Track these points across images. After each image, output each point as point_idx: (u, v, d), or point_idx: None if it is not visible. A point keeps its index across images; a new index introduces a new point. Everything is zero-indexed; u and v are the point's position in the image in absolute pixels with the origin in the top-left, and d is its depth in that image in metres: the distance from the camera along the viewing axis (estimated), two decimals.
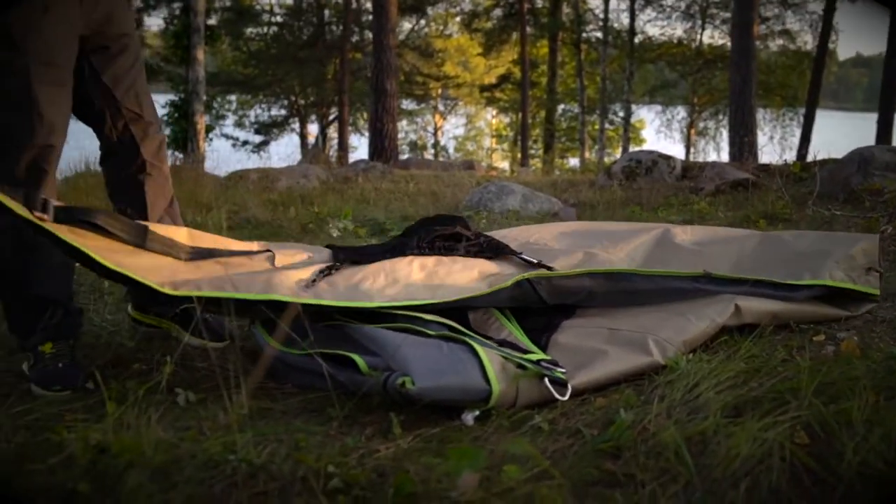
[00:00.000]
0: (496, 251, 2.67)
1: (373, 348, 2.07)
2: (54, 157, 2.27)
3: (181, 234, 2.33)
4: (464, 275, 2.47)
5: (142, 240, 2.21)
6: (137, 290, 2.22)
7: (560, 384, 1.93)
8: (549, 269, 2.55)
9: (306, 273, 2.35)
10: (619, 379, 2.04)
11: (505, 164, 28.88)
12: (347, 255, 2.55)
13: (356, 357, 2.02)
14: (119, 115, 2.44)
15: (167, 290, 2.11)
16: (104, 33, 2.39)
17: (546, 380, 1.91)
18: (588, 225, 3.19)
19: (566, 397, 1.92)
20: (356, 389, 1.96)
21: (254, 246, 2.48)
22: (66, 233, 2.03)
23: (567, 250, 2.73)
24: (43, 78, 2.19)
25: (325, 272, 2.37)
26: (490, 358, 1.91)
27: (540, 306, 2.45)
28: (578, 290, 2.47)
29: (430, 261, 2.53)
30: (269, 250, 2.46)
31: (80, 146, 7.13)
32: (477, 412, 1.86)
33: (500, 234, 2.98)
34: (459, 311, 2.40)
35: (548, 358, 2.05)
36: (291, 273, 2.33)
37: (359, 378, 1.98)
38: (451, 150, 36.67)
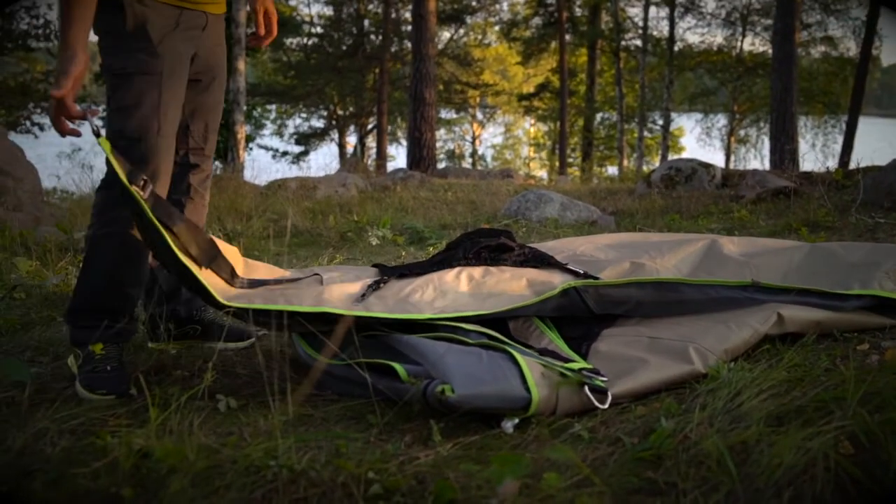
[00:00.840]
0: (542, 262, 2.67)
1: (413, 357, 2.08)
2: (168, 163, 2.37)
3: (239, 264, 2.39)
4: (511, 284, 2.48)
5: (209, 260, 2.28)
6: (195, 291, 2.27)
7: (600, 392, 1.92)
8: (596, 279, 2.54)
9: (355, 287, 2.39)
10: (659, 387, 2.02)
11: (543, 173, 28.87)
12: (395, 272, 2.58)
13: (397, 365, 2.03)
14: (184, 143, 2.53)
15: (222, 300, 2.17)
16: (203, 63, 2.48)
17: (586, 388, 1.91)
18: (634, 236, 3.18)
19: (606, 405, 1.91)
20: (396, 397, 1.97)
21: (304, 273, 2.54)
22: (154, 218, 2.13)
23: (614, 261, 2.73)
24: (170, 86, 2.31)
25: (374, 287, 2.40)
26: (530, 366, 1.91)
27: (587, 315, 2.44)
28: (625, 300, 2.46)
29: (477, 271, 2.55)
30: (316, 274, 2.50)
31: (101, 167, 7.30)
32: (517, 420, 1.85)
33: (545, 246, 2.98)
34: (501, 319, 2.40)
35: (589, 366, 2.05)
36: (341, 287, 2.37)
37: (399, 386, 1.98)
38: (489, 159, 36.71)
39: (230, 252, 2.37)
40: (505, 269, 2.57)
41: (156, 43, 2.28)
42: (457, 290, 2.43)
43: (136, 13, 2.25)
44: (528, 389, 1.85)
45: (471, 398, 1.81)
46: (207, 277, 2.22)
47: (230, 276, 2.33)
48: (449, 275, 2.49)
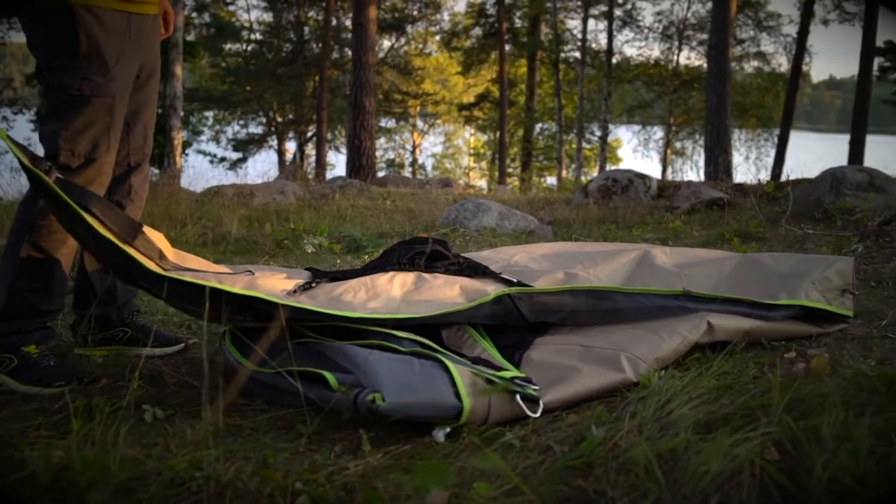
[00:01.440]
0: (476, 271, 2.66)
1: (344, 365, 2.06)
2: (106, 178, 2.41)
3: (168, 250, 2.33)
4: (445, 290, 2.46)
5: (131, 236, 2.21)
6: (123, 268, 2.23)
7: (532, 401, 1.92)
8: (530, 286, 2.54)
9: (288, 284, 2.35)
10: (591, 396, 2.03)
11: (482, 183, 28.99)
12: (327, 275, 2.55)
13: (327, 374, 2.00)
14: (126, 144, 2.53)
15: (155, 269, 2.15)
16: (144, 62, 2.50)
17: (518, 397, 1.90)
18: (568, 246, 3.20)
19: (538, 414, 1.91)
20: (327, 406, 1.94)
21: (237, 269, 2.49)
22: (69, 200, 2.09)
23: (548, 270, 2.73)
24: (121, 107, 2.39)
25: (306, 287, 2.36)
26: (461, 374, 1.90)
27: (520, 324, 2.44)
28: (559, 308, 2.46)
29: (410, 277, 2.52)
30: (249, 271, 2.46)
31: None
32: (448, 429, 1.84)
33: (479, 256, 2.98)
34: (433, 327, 2.39)
35: (521, 375, 2.04)
36: (273, 279, 2.34)
37: (329, 395, 1.96)
38: (428, 168, 36.74)
39: (157, 237, 2.30)
40: (438, 276, 2.56)
41: (111, 65, 2.30)
42: (389, 293, 2.40)
43: (90, 34, 2.25)
44: (459, 398, 1.84)
45: (402, 406, 1.79)
46: (134, 253, 2.17)
47: (158, 257, 2.27)
48: (382, 278, 2.46)
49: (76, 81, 2.27)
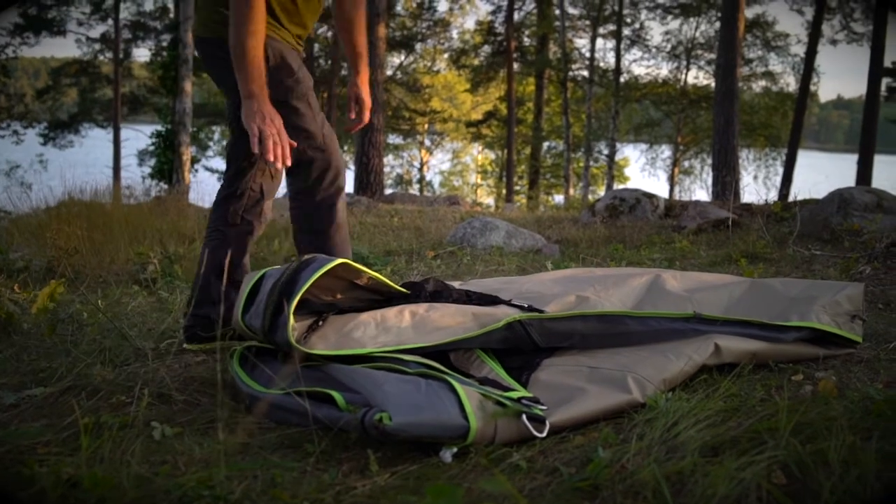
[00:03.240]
0: (487, 301, 2.67)
1: (352, 386, 2.07)
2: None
3: None
4: (456, 318, 2.46)
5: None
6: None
7: (539, 421, 1.92)
8: (541, 311, 2.55)
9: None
10: (598, 417, 2.03)
11: (490, 200, 29.05)
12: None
13: (335, 394, 2.01)
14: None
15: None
16: None
17: (524, 417, 1.91)
18: (578, 272, 3.20)
19: (544, 434, 1.91)
20: (334, 426, 1.95)
21: None
22: None
23: (559, 294, 2.73)
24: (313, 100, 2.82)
25: (314, 326, 2.38)
26: (468, 395, 1.90)
27: (532, 349, 2.44)
28: (570, 333, 2.47)
29: (421, 307, 2.51)
30: None
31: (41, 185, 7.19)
32: (455, 449, 1.84)
33: (489, 287, 2.98)
34: (442, 351, 2.39)
35: (528, 395, 2.05)
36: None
37: (337, 414, 1.96)
38: (436, 185, 36.82)
39: None
40: (449, 305, 2.57)
41: (296, 70, 2.73)
42: (399, 325, 2.41)
43: (275, 50, 2.66)
44: (466, 418, 1.84)
45: (408, 426, 1.80)
46: None
47: None
48: (391, 312, 2.46)
49: (280, 94, 2.69)
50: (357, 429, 1.87)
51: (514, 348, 2.44)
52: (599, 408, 2.04)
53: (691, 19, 27.36)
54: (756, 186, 25.89)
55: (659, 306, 2.68)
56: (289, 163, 2.54)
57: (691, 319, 2.52)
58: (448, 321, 2.43)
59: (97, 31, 26.99)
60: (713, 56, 24.61)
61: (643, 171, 30.06)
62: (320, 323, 2.40)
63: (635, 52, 27.94)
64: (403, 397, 1.89)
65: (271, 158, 2.49)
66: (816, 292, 2.68)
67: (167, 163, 14.10)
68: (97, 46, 28.01)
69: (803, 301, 2.63)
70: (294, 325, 2.28)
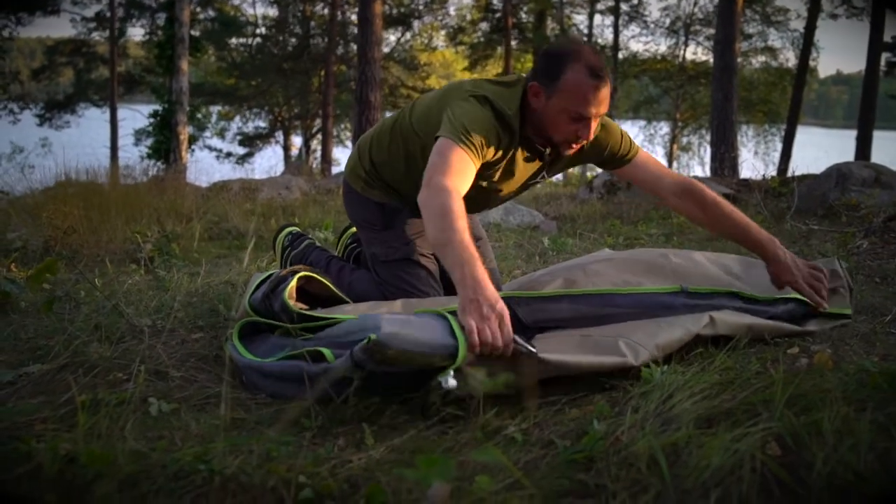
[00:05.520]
0: None
1: (344, 341, 2.09)
2: None
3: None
4: (442, 301, 2.50)
5: None
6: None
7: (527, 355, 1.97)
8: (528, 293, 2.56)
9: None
10: (589, 371, 2.05)
11: None
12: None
13: (325, 350, 2.02)
14: None
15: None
16: None
17: (516, 337, 1.94)
18: (574, 261, 3.20)
19: (535, 350, 1.96)
20: (329, 382, 1.94)
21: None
22: None
23: (548, 281, 2.73)
24: None
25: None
26: (457, 321, 1.96)
27: (520, 329, 2.45)
28: (557, 312, 2.47)
29: (413, 298, 2.63)
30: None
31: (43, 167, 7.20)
32: (452, 372, 1.85)
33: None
34: None
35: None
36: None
37: (329, 366, 1.97)
38: None
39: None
40: (438, 297, 2.69)
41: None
42: (390, 308, 2.49)
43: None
44: (454, 337, 1.88)
45: (397, 339, 1.82)
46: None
47: None
48: (382, 307, 2.52)
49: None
50: (347, 365, 1.87)
51: None
52: (591, 362, 2.05)
53: None
54: (755, 162, 25.84)
55: (644, 283, 2.67)
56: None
57: (679, 294, 2.51)
58: (436, 303, 2.48)
59: (92, 10, 26.90)
60: (712, 31, 24.47)
61: (642, 147, 29.95)
62: (319, 308, 2.46)
63: (633, 28, 27.88)
64: (393, 319, 1.97)
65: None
66: None
67: (164, 142, 14.05)
68: (92, 25, 27.83)
69: None
70: (293, 293, 2.39)
